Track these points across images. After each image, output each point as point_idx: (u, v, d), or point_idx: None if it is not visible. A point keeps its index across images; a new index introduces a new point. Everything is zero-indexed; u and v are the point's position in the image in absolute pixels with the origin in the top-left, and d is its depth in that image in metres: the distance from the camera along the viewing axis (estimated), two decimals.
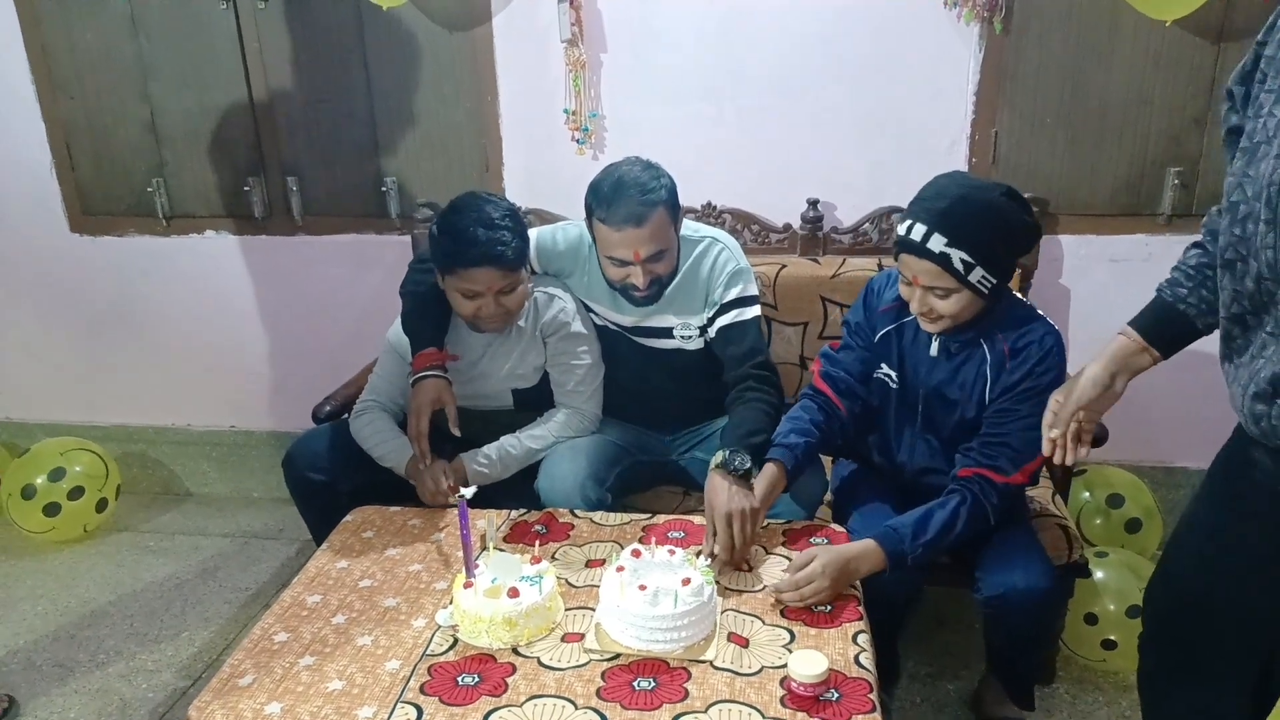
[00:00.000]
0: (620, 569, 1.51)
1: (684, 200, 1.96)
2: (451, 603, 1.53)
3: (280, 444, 2.91)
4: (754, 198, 2.53)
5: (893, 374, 1.84)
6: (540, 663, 1.43)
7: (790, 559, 1.67)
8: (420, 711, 1.34)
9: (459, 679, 1.40)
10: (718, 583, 1.58)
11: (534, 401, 2.10)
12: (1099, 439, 1.45)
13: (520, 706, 1.34)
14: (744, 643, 1.46)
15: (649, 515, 1.88)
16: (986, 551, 1.76)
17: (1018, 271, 2.12)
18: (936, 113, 2.42)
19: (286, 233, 2.86)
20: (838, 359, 1.90)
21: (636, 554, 1.55)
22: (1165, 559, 1.48)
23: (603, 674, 1.40)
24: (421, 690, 1.38)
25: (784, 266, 2.42)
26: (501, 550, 1.63)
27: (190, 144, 2.80)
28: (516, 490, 1.97)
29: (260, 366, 3.06)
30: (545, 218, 2.48)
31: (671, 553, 1.54)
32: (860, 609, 1.55)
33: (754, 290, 2.04)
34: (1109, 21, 2.29)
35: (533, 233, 2.06)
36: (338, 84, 2.67)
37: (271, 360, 3.05)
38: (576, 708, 1.33)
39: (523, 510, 1.89)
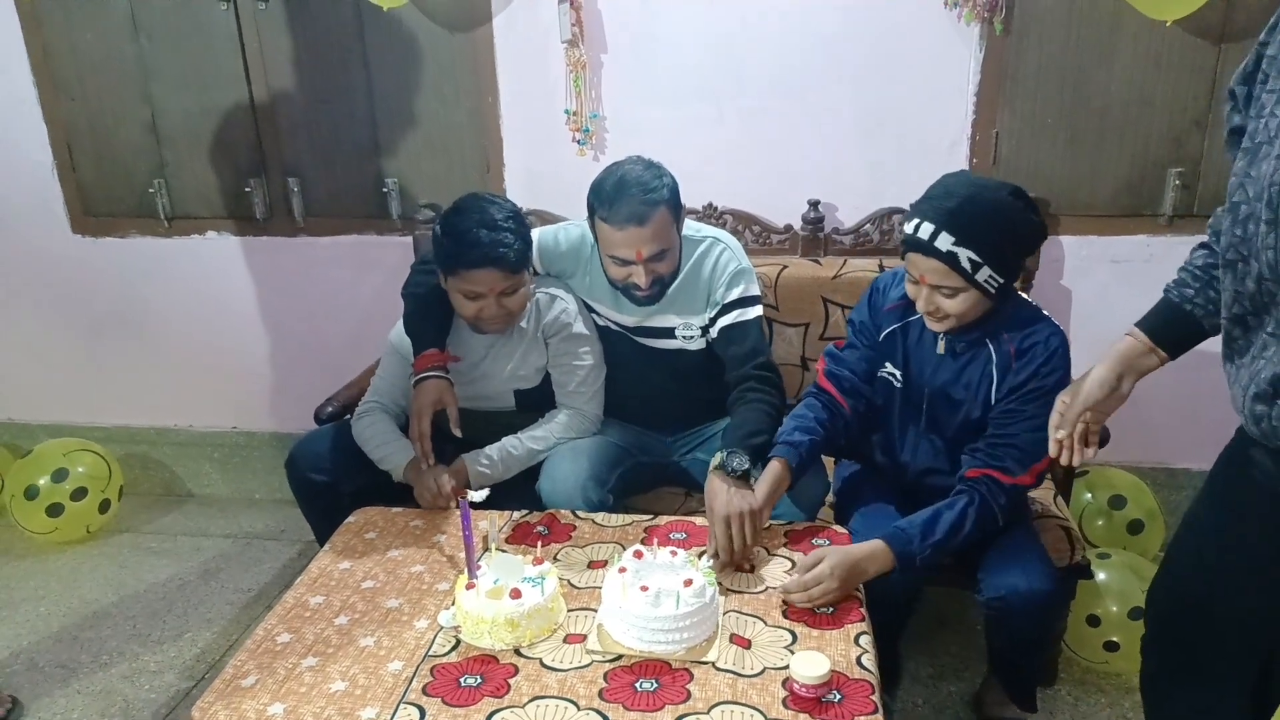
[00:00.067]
0: (622, 570, 1.51)
1: (685, 201, 1.96)
2: (454, 604, 1.53)
3: (282, 445, 2.92)
4: (755, 198, 2.53)
5: (897, 373, 1.84)
6: (542, 664, 1.43)
7: (792, 560, 1.67)
8: (423, 712, 1.34)
9: (461, 680, 1.41)
10: (719, 584, 1.58)
11: (536, 402, 2.10)
12: (1101, 440, 1.44)
13: (523, 707, 1.34)
14: (746, 644, 1.46)
15: (651, 516, 1.88)
16: (988, 553, 1.76)
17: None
18: (937, 113, 2.42)
19: (288, 234, 2.86)
20: (842, 358, 1.89)
21: (638, 555, 1.55)
22: (1167, 560, 1.48)
23: (605, 675, 1.40)
24: (424, 691, 1.38)
25: (785, 267, 2.42)
26: (503, 551, 1.63)
27: (191, 145, 2.80)
28: (518, 491, 1.97)
29: (262, 367, 3.06)
30: (546, 218, 2.47)
31: (673, 554, 1.54)
32: (863, 610, 1.55)
33: (756, 290, 2.04)
34: (1110, 22, 2.29)
35: (534, 233, 2.05)
36: (338, 85, 2.67)
37: (273, 361, 3.05)
38: (579, 709, 1.33)
39: (524, 511, 1.89)
